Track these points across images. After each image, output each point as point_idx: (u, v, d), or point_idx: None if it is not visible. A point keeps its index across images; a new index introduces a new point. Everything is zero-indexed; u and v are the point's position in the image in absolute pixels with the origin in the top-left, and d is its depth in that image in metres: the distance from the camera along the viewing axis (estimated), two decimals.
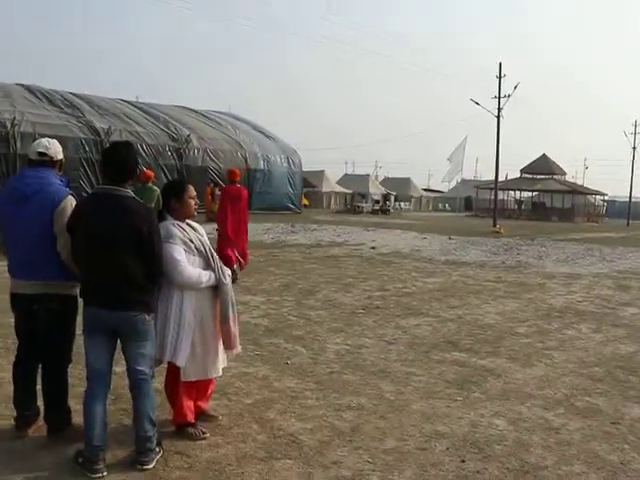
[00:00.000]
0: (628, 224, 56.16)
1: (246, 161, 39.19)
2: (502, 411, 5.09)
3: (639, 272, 15.69)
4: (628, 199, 65.59)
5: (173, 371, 4.30)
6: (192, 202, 4.30)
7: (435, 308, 9.35)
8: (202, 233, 4.40)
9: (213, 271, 4.22)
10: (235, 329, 4.32)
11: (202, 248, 4.23)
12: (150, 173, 12.91)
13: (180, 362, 4.16)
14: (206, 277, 4.14)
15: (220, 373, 4.47)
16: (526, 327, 8.32)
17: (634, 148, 63.20)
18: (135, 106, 37.62)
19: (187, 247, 4.15)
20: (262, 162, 40.38)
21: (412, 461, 4.12)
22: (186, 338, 4.15)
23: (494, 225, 34.96)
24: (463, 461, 4.14)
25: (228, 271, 4.42)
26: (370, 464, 4.07)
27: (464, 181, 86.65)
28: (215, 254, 4.29)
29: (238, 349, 4.48)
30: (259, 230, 23.71)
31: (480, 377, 5.96)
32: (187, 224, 4.29)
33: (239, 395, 5.23)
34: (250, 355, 6.38)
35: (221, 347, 4.39)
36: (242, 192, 10.74)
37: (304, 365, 6.15)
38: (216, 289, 4.26)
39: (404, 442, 4.41)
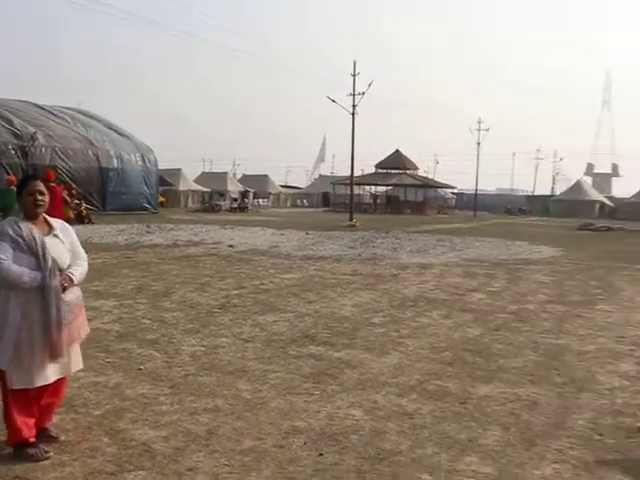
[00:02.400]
0: (475, 215, 59.72)
1: (98, 160, 37.59)
2: (358, 401, 5.16)
3: (485, 260, 16.66)
4: (474, 192, 69.71)
5: (3, 381, 3.97)
6: (30, 198, 4.03)
7: (292, 303, 9.38)
8: (61, 231, 4.17)
9: (41, 271, 3.94)
10: (57, 337, 4.01)
11: (35, 248, 3.94)
12: (12, 178, 14.03)
13: (1, 363, 3.86)
14: (29, 277, 3.86)
15: (49, 381, 4.13)
16: (381, 317, 8.54)
17: (478, 144, 67.30)
18: None
19: (16, 245, 3.89)
20: (115, 160, 38.91)
21: (270, 460, 4.07)
22: (9, 338, 3.85)
23: (350, 219, 35.84)
24: (321, 454, 4.14)
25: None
26: (227, 467, 3.96)
27: (322, 177, 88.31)
28: (49, 255, 3.99)
29: (71, 358, 4.21)
30: (112, 232, 22.80)
31: (337, 369, 6.02)
32: (45, 221, 4.12)
33: (87, 407, 4.93)
34: (100, 363, 6.06)
35: (58, 356, 4.09)
36: (57, 191, 11.94)
37: (158, 370, 5.92)
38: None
39: (262, 441, 4.35)
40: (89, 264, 4.44)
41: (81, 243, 4.46)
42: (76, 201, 27.73)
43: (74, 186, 29.59)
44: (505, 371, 6.15)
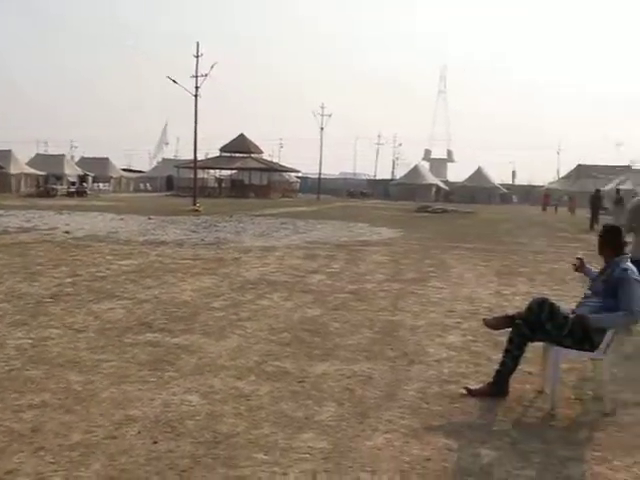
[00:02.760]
0: (318, 198, 60.98)
1: None
2: (195, 387, 5.08)
3: (326, 242, 17.06)
4: (318, 175, 71.17)
5: None
6: None
7: (130, 290, 9.07)
8: None
9: None
10: None
11: None
12: None
13: None
14: None
15: None
16: (221, 301, 8.48)
17: (322, 128, 68.71)
18: None
19: None
20: None
21: (100, 452, 3.89)
22: None
23: (194, 203, 35.29)
24: (155, 442, 4.03)
25: None
26: (53, 464, 3.73)
27: (165, 160, 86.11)
28: None
29: None
30: None
31: (174, 355, 5.89)
32: None
33: None
34: None
35: None
36: None
37: None
38: None
39: (92, 434, 4.15)
40: None
41: None
42: None
43: None
44: (342, 348, 6.32)
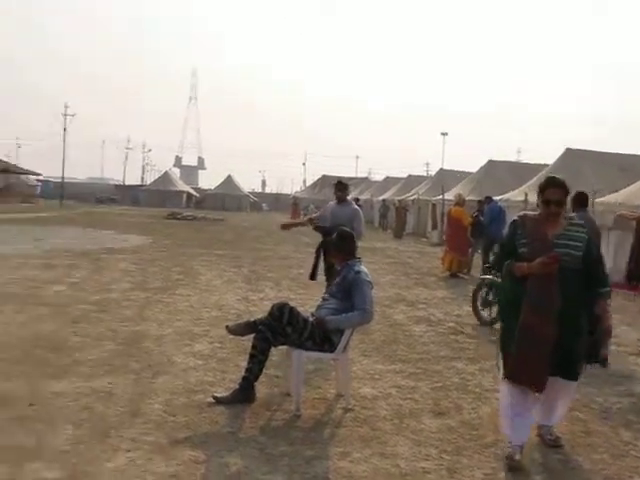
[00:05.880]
0: (62, 204, 57.28)
1: None
2: None
3: (68, 250, 15.98)
4: (61, 179, 66.95)
5: None
6: None
7: None
8: None
9: None
10: None
11: None
12: None
13: None
14: None
15: None
16: None
17: (65, 129, 64.79)
18: None
19: None
20: None
21: None
22: None
23: None
24: None
25: None
26: None
27: None
28: None
29: None
30: None
31: None
32: None
33: None
34: None
35: None
36: None
37: None
38: None
39: None
40: None
41: None
42: None
43: None
44: (81, 364, 5.86)
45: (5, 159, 69.05)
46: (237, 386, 5.11)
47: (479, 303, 9.22)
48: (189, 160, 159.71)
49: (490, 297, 8.96)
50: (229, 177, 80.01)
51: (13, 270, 11.75)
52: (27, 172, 67.45)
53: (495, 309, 8.38)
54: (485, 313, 9.14)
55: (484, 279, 9.28)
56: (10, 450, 3.98)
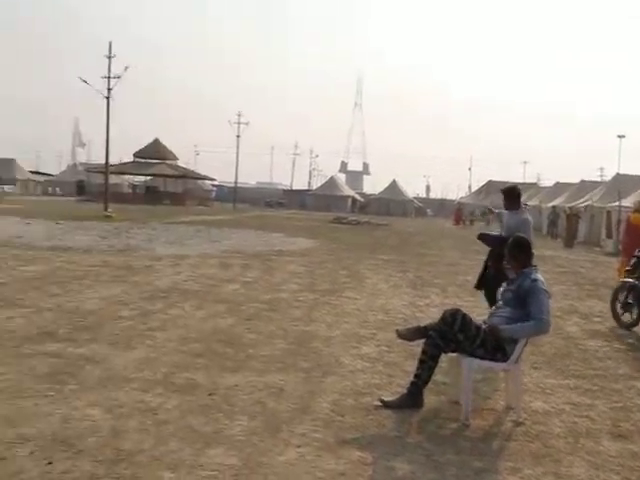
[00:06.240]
0: (234, 207, 60.41)
1: None
2: (98, 400, 4.78)
3: (241, 251, 16.82)
4: (234, 184, 70.63)
5: None
6: None
7: (32, 297, 8.56)
8: None
9: None
10: None
11: None
12: None
13: None
14: None
15: None
16: (129, 310, 8.12)
17: (238, 137, 68.23)
18: None
19: None
20: None
21: None
22: None
23: (105, 209, 34.18)
24: (50, 463, 3.73)
25: None
26: None
27: (76, 164, 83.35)
28: None
29: None
30: None
31: (76, 367, 5.54)
32: None
33: None
34: None
35: None
36: None
37: None
38: None
39: None
40: None
41: None
42: None
43: None
44: (254, 360, 6.14)
45: (184, 166, 74.16)
46: (405, 391, 5.09)
47: (619, 306, 9.23)
48: (354, 165, 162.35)
49: (630, 300, 9.03)
50: (393, 182, 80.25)
51: (193, 268, 12.58)
52: (204, 177, 71.96)
53: (636, 312, 8.85)
54: (625, 317, 9.13)
55: (625, 282, 9.25)
56: (193, 434, 4.26)
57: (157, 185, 66.08)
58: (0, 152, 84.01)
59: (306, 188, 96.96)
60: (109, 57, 38.28)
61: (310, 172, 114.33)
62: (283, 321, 8.02)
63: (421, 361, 5.05)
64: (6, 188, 64.19)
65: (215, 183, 79.88)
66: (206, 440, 4.17)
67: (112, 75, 38.03)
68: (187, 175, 67.39)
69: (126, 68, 38.11)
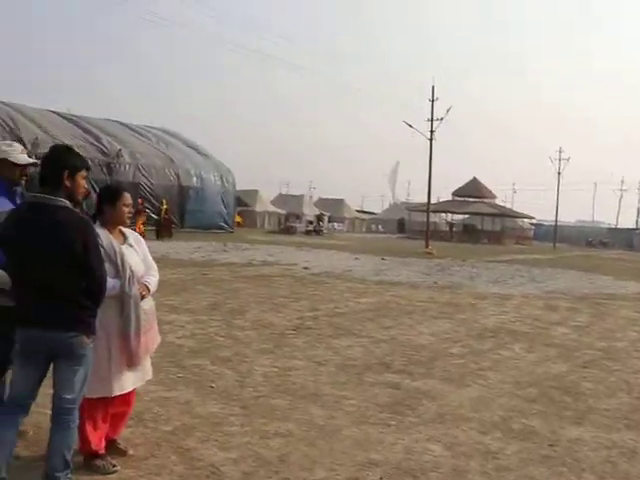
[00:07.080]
0: (555, 246, 57.89)
1: (179, 178, 38.50)
2: (437, 435, 4.85)
3: (567, 292, 15.95)
4: (554, 222, 67.74)
5: None
6: (125, 210, 4.05)
7: (368, 328, 9.11)
8: (134, 242, 4.15)
9: (120, 279, 3.87)
10: (136, 345, 3.94)
11: (114, 256, 3.87)
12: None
13: None
14: (109, 285, 3.74)
15: (126, 390, 4.04)
16: (459, 347, 8.17)
17: (559, 173, 65.44)
18: (65, 118, 36.59)
19: None
20: (195, 179, 39.76)
21: None
22: None
23: (426, 246, 35.28)
24: None
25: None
26: None
27: (397, 203, 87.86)
28: (127, 264, 3.92)
29: (144, 367, 4.14)
30: (189, 248, 23.16)
31: (414, 400, 5.72)
32: (120, 231, 4.10)
33: (157, 422, 4.82)
34: (172, 378, 5.96)
35: (137, 364, 4.01)
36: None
37: (229, 388, 5.77)
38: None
39: (334, 472, 4.10)
40: (165, 279, 4.36)
41: (158, 258, 4.39)
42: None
43: (140, 201, 30.19)
44: (597, 413, 5.69)
45: (502, 204, 73.39)
46: None
47: None
48: None
49: None
50: None
51: (517, 309, 12.25)
52: (522, 215, 70.34)
53: None
54: None
55: None
56: None
57: (475, 223, 66.34)
58: (331, 194, 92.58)
59: (633, 227, 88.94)
60: (432, 100, 39.81)
61: (638, 209, 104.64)
62: (623, 372, 7.34)
63: None
64: (336, 226, 70.07)
65: (533, 221, 77.53)
66: None
67: (434, 117, 39.46)
68: (505, 213, 66.59)
69: (448, 110, 39.24)
